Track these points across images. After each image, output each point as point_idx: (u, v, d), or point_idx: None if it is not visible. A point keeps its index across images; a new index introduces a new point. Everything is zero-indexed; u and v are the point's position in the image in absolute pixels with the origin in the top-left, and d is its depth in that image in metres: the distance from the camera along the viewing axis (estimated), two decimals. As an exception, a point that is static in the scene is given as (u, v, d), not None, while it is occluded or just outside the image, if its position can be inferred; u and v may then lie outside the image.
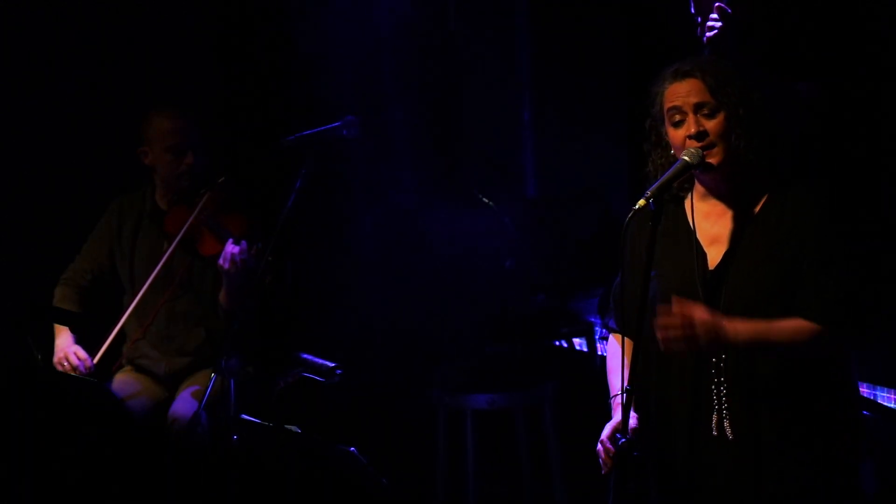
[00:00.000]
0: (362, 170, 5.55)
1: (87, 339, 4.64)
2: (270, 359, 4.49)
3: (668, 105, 3.07)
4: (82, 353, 4.38)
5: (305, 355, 3.63)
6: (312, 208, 4.61)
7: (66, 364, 4.37)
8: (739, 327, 2.97)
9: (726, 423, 3.07)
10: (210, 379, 3.98)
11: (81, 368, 4.35)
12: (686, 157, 3.02)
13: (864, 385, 4.38)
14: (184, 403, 4.36)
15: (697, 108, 3.04)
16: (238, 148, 5.41)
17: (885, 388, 4.38)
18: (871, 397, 4.37)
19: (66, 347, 4.42)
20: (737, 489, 3.08)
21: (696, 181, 3.16)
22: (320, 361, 3.60)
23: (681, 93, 3.05)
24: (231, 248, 4.25)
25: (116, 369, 4.60)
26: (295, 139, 4.07)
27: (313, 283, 5.32)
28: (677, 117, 3.06)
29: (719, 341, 2.96)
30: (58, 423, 3.76)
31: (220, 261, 4.27)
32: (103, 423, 3.73)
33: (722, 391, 3.07)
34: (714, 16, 3.46)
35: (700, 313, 2.95)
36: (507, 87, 5.97)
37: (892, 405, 4.34)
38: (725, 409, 3.06)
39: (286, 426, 3.49)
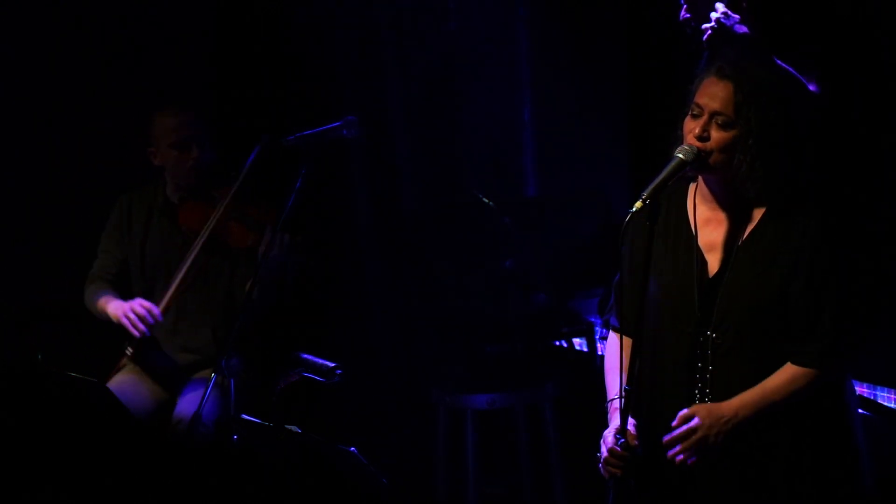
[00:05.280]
0: (362, 169, 5.54)
1: (90, 338, 4.65)
2: (270, 359, 4.49)
3: (696, 96, 3.08)
4: (146, 303, 4.38)
5: (305, 355, 3.63)
6: (312, 208, 4.61)
7: (131, 315, 4.34)
8: (737, 405, 3.02)
9: None
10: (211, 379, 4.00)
11: (149, 319, 4.34)
12: (680, 155, 3.03)
13: (864, 385, 4.37)
14: (188, 405, 4.36)
15: (714, 114, 3.04)
16: (237, 148, 5.41)
17: (885, 388, 4.37)
18: (871, 397, 4.36)
19: (124, 304, 4.40)
20: (718, 496, 3.09)
21: (699, 180, 3.16)
22: (320, 361, 3.60)
23: (709, 92, 3.05)
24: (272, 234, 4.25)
25: (117, 370, 4.59)
26: (295, 139, 4.07)
27: (313, 283, 5.31)
28: (696, 111, 3.07)
29: (727, 433, 3.01)
30: (58, 423, 3.76)
31: (263, 247, 4.27)
32: (103, 423, 3.73)
33: (706, 401, 3.08)
34: (714, 15, 3.44)
35: (698, 419, 3.00)
36: (507, 87, 5.95)
37: (892, 405, 4.34)
38: None
39: (286, 426, 3.49)
